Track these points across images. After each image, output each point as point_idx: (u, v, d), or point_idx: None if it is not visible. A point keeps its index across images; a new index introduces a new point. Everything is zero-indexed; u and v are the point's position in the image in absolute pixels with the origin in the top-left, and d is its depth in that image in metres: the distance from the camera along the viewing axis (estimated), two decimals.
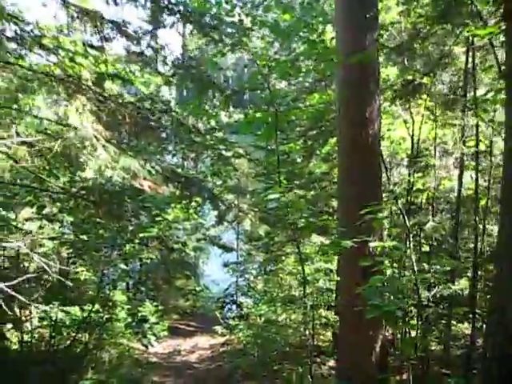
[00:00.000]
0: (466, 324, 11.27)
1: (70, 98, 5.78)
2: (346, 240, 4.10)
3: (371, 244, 4.18)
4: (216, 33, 7.12)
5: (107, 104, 6.21)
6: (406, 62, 10.31)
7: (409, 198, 9.75)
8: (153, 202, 8.08)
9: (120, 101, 6.44)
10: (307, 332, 8.66)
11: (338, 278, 10.69)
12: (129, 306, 12.88)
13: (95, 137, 5.62)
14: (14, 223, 8.94)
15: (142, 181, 6.64)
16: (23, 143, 5.83)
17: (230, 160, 9.57)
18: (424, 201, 10.81)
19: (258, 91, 14.78)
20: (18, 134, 6.05)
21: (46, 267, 4.81)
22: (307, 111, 10.80)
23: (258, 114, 8.60)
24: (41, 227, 8.65)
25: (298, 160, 14.15)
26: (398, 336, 9.51)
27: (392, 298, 3.64)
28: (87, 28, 6.14)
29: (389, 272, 7.72)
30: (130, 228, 10.54)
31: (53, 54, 6.08)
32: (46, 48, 5.98)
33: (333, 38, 9.23)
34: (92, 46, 6.65)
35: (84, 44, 6.62)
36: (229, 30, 7.66)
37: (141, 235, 11.25)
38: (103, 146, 5.70)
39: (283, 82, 16.39)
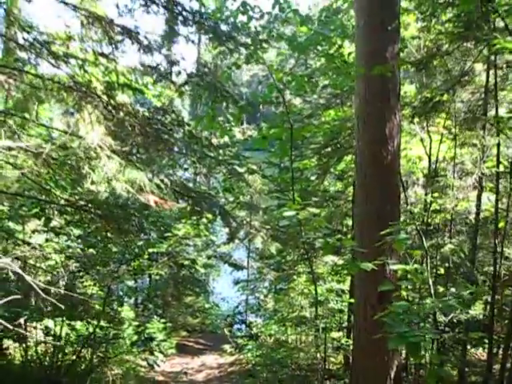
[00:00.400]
0: (480, 349, 10.94)
1: (78, 107, 5.58)
2: (365, 261, 3.83)
3: (392, 266, 3.91)
4: (231, 42, 6.91)
5: (116, 113, 5.99)
6: (424, 79, 10.09)
7: (425, 218, 9.47)
8: (161, 217, 7.80)
9: (130, 110, 6.21)
10: (318, 355, 8.36)
11: (352, 300, 10.41)
12: (136, 323, 12.63)
13: (100, 146, 5.39)
14: (21, 235, 8.76)
15: (148, 195, 6.37)
16: (28, 152, 5.62)
17: (243, 175, 9.31)
18: (440, 222, 10.51)
19: (273, 107, 14.61)
20: (20, 139, 5.88)
21: (34, 285, 4.57)
22: (323, 127, 10.57)
23: (273, 130, 8.39)
24: (47, 240, 8.44)
25: (312, 178, 13.93)
26: (411, 359, 9.19)
27: (408, 324, 3.36)
28: (98, 34, 5.95)
29: (404, 295, 7.45)
30: (140, 243, 10.32)
31: (62, 62, 5.89)
32: (56, 55, 5.79)
33: (350, 53, 9.06)
34: (102, 54, 6.47)
35: (94, 52, 6.44)
36: (244, 40, 7.45)
37: (150, 251, 11.03)
38: (108, 156, 5.47)
39: (298, 99, 16.21)
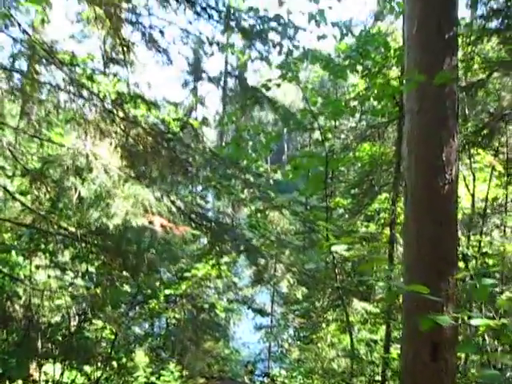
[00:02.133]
0: None
1: (71, 107, 4.76)
2: (440, 315, 2.88)
3: (474, 321, 2.95)
4: (260, 40, 6.10)
5: (125, 126, 5.12)
6: (466, 108, 9.26)
7: (475, 262, 8.47)
8: (170, 249, 6.73)
9: (140, 123, 5.33)
10: None
11: (390, 354, 9.34)
12: (149, 370, 11.59)
13: (93, 155, 4.49)
14: (23, 271, 7.92)
15: (153, 217, 5.37)
16: (25, 174, 4.79)
17: (276, 204, 8.29)
18: (491, 266, 9.52)
19: (300, 143, 13.75)
20: (16, 160, 5.03)
21: None
22: (362, 158, 9.67)
23: (306, 159, 7.51)
24: (49, 276, 7.53)
25: (341, 219, 13.06)
26: None
27: None
28: (107, 33, 5.14)
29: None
30: (156, 283, 9.43)
31: (68, 70, 5.10)
32: (60, 63, 5.01)
33: (389, 80, 8.24)
34: (113, 60, 5.66)
35: (103, 57, 5.63)
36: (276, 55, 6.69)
37: (167, 292, 10.12)
38: (104, 168, 4.56)
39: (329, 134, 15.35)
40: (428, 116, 5.26)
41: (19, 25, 4.96)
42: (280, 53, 7.25)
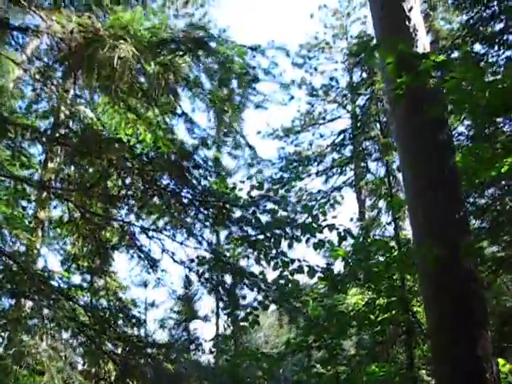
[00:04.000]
0: None
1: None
2: None
3: None
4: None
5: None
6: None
7: None
8: None
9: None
10: None
11: None
12: None
13: (49, 356, 3.73)
14: None
15: None
16: None
17: None
18: None
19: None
20: None
21: None
22: (378, 374, 8.72)
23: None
24: None
25: None
26: None
27: None
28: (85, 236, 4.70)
29: None
30: None
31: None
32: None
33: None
34: (91, 270, 5.16)
35: (78, 266, 5.15)
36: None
37: None
38: (59, 370, 3.75)
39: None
40: (446, 304, 4.62)
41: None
42: (275, 268, 6.88)
